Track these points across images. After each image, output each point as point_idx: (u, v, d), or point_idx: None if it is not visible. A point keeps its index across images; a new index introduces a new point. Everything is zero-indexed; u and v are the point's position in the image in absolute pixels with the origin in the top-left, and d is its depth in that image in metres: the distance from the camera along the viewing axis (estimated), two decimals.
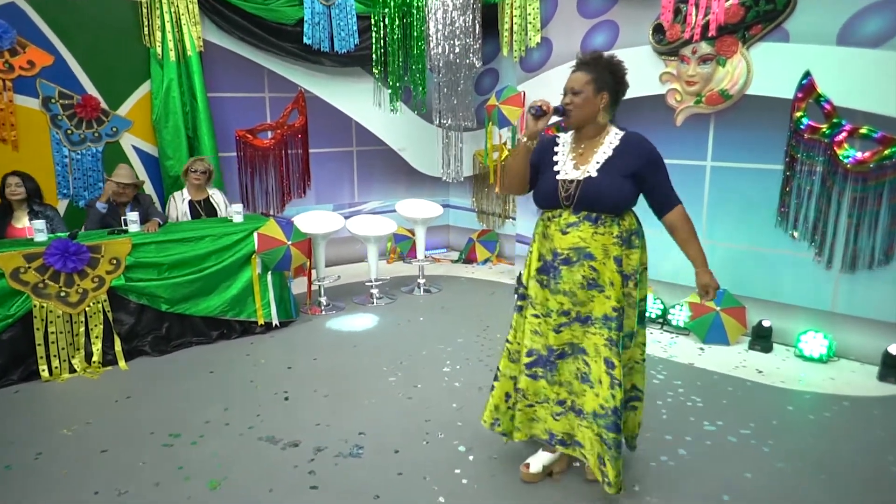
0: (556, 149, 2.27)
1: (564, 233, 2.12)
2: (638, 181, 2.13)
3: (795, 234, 3.74)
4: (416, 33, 5.56)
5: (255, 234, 4.07)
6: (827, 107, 3.54)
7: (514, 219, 5.98)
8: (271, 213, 5.59)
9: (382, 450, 2.69)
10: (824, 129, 3.57)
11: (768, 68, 3.71)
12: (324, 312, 4.63)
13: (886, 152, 3.39)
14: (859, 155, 3.47)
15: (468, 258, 6.27)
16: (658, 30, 4.07)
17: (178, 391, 3.31)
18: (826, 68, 3.52)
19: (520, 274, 2.37)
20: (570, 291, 2.13)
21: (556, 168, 2.20)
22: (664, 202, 2.19)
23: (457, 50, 5.01)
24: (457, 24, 5.10)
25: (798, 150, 3.68)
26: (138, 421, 2.97)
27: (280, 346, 4.00)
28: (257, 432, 2.85)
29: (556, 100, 2.20)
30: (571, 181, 2.13)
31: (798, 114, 3.63)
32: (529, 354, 2.24)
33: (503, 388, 2.38)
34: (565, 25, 4.63)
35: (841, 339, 3.68)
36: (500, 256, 6.30)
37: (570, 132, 2.28)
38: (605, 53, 2.17)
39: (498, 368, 2.42)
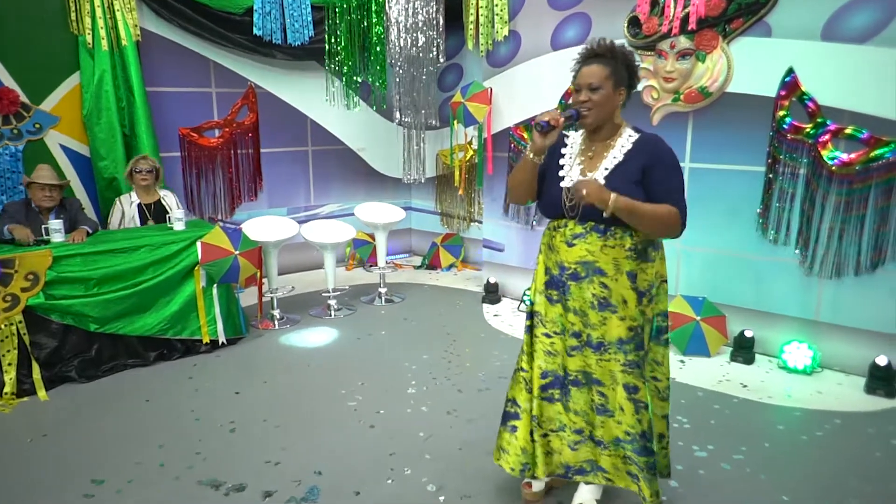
0: (563, 150, 2.04)
1: (570, 245, 1.91)
2: (645, 184, 1.88)
3: (776, 237, 3.56)
4: (375, 25, 5.21)
5: (199, 244, 3.67)
6: (811, 105, 3.37)
7: (479, 222, 5.70)
8: (219, 218, 5.18)
9: (341, 492, 2.35)
10: (808, 129, 3.39)
11: (750, 64, 3.52)
12: (277, 327, 4.25)
13: (873, 154, 3.23)
14: (845, 156, 3.30)
15: (432, 264, 5.96)
16: (634, 23, 3.84)
17: (105, 425, 2.90)
18: (810, 65, 3.34)
19: (526, 291, 2.14)
20: (580, 310, 1.94)
21: (561, 174, 1.98)
22: (659, 201, 1.88)
23: (420, 43, 4.69)
24: (419, 16, 4.78)
25: (781, 151, 3.49)
26: (54, 464, 2.56)
27: (227, 367, 3.62)
28: (197, 474, 2.48)
29: (549, 104, 1.92)
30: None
31: (781, 113, 3.45)
32: (544, 376, 2.04)
33: (528, 426, 2.10)
34: (534, 18, 4.37)
35: (825, 349, 3.51)
36: (466, 262, 6.01)
37: (581, 130, 2.05)
38: (618, 43, 1.94)
39: (514, 402, 2.15)
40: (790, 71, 3.39)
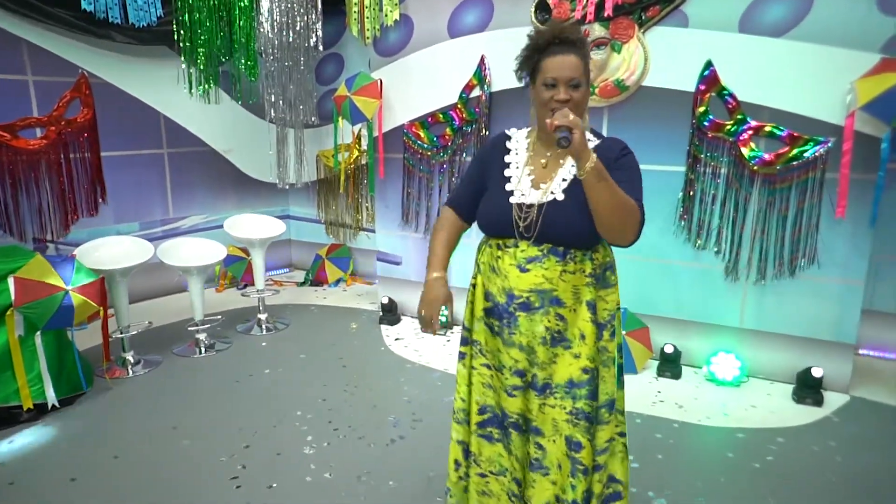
0: (507, 158, 1.69)
1: (523, 270, 1.59)
2: None
3: (698, 241, 3.35)
4: (240, 6, 4.43)
5: (11, 280, 2.78)
6: (731, 101, 3.16)
7: (370, 231, 5.12)
8: (49, 238, 4.16)
9: None
10: (728, 127, 3.19)
11: (667, 56, 3.26)
12: (131, 374, 3.41)
13: (793, 152, 3.08)
14: (766, 155, 3.13)
15: (317, 279, 5.28)
16: (543, 7, 3.46)
17: None
18: (729, 58, 3.14)
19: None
20: (527, 346, 1.61)
21: (508, 186, 1.64)
22: None
23: (298, 28, 4.01)
24: None
25: (701, 150, 3.27)
26: None
27: (57, 442, 2.76)
28: None
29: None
30: (530, 206, 1.59)
31: (701, 109, 3.22)
32: (482, 412, 1.71)
33: (453, 455, 1.83)
34: (428, 1, 3.86)
35: (751, 357, 3.35)
36: (356, 275, 5.40)
37: (525, 132, 1.74)
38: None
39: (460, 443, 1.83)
40: (709, 64, 3.17)
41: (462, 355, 1.76)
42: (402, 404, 3.08)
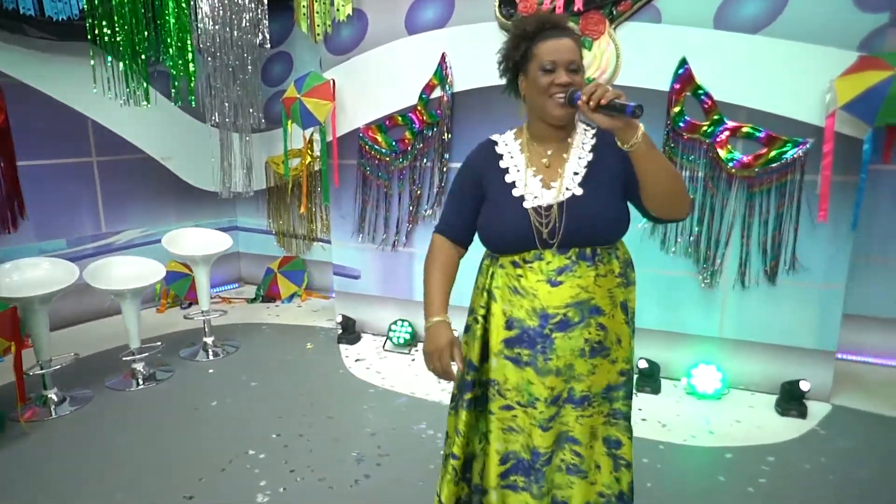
0: (501, 163, 1.52)
1: (555, 284, 1.42)
2: (625, 185, 1.45)
3: (675, 248, 3.19)
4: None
5: None
6: (707, 101, 3.01)
7: (325, 241, 4.80)
8: None
9: None
10: (705, 128, 3.04)
11: (640, 54, 3.08)
12: (54, 415, 3.01)
13: (772, 154, 2.95)
14: (744, 158, 2.99)
15: (269, 295, 4.93)
16: (507, 2, 3.23)
17: None
18: (704, 56, 2.98)
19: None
20: (564, 368, 1.44)
21: (515, 192, 1.46)
22: None
23: (245, 24, 3.68)
24: None
25: (677, 153, 3.11)
26: None
27: None
28: None
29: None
30: (549, 207, 1.42)
31: (675, 109, 3.06)
32: (504, 461, 1.52)
33: None
34: None
35: (730, 367, 3.21)
36: (311, 289, 5.06)
37: (511, 134, 1.56)
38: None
39: (437, 497, 1.58)
40: (683, 62, 3.01)
41: (470, 403, 1.53)
42: (366, 437, 2.79)
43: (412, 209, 3.76)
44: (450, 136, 3.58)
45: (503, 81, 1.53)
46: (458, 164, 3.61)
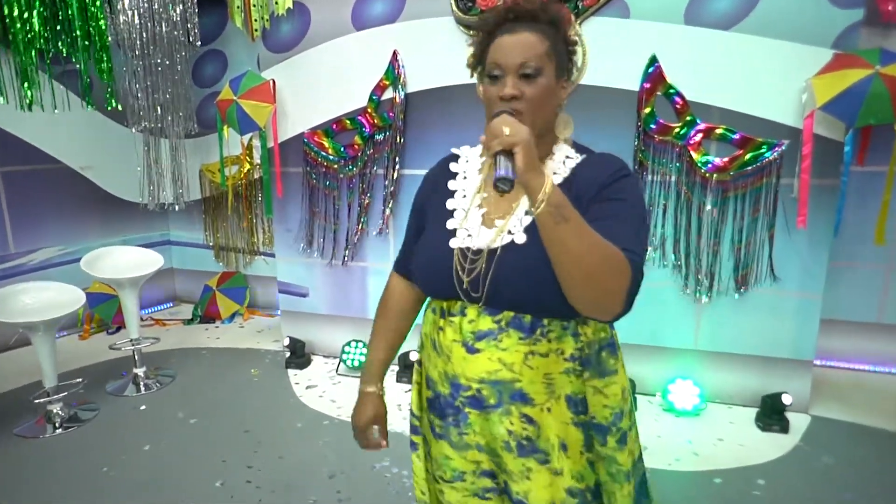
0: (451, 184, 1.23)
1: (471, 350, 1.11)
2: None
3: (647, 258, 3.02)
4: None
5: None
6: (678, 101, 2.84)
7: (270, 255, 4.43)
8: None
9: None
10: (677, 130, 2.86)
11: (607, 51, 2.87)
12: None
13: (747, 157, 2.80)
14: (718, 161, 2.83)
15: (207, 315, 4.51)
16: None
17: None
18: (675, 53, 2.81)
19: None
20: (487, 448, 1.15)
21: (450, 223, 1.17)
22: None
23: (175, 19, 3.28)
24: None
25: (648, 156, 2.93)
26: None
27: None
28: None
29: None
30: (478, 252, 1.11)
31: (646, 110, 2.87)
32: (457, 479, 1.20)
33: None
34: None
35: (707, 381, 3.06)
36: (254, 307, 4.67)
37: (481, 149, 1.23)
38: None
39: None
40: (653, 60, 2.82)
41: (413, 445, 1.30)
42: (323, 481, 2.48)
43: (362, 220, 3.46)
44: (403, 140, 3.30)
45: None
46: (412, 172, 3.35)
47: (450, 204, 1.18)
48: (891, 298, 3.43)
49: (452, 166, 1.24)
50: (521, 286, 1.06)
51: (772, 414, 2.85)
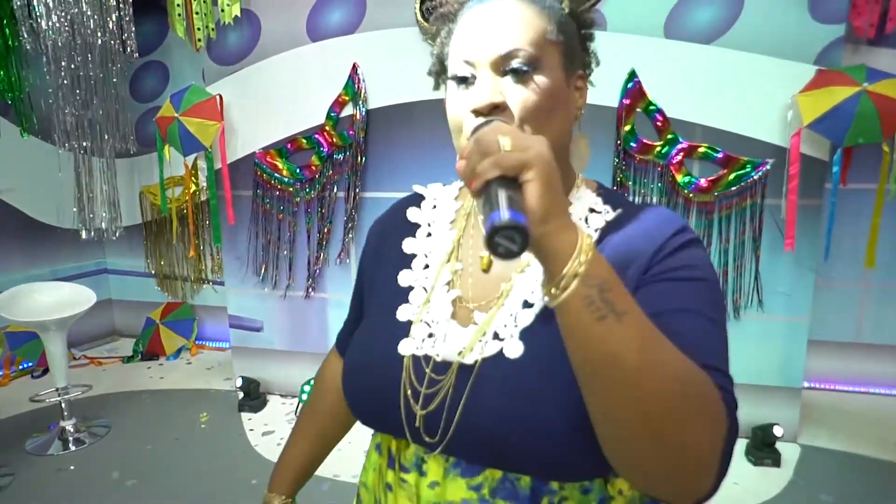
0: (408, 243, 0.83)
1: None
2: None
3: None
4: None
5: None
6: (659, 119, 2.68)
7: (219, 283, 4.08)
8: None
9: None
10: (658, 148, 2.71)
11: None
12: None
13: (731, 177, 2.66)
14: (702, 181, 2.68)
15: (150, 352, 4.11)
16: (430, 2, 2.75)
17: None
18: (655, 68, 2.65)
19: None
20: None
21: (402, 311, 0.77)
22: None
23: (112, 28, 2.94)
24: None
25: (629, 176, 2.76)
26: None
27: None
28: None
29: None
30: (442, 367, 0.70)
31: (626, 128, 2.70)
32: None
33: None
34: None
35: None
36: (203, 341, 4.30)
37: (456, 188, 0.87)
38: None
39: None
40: (633, 75, 2.66)
41: None
42: None
43: (322, 246, 3.17)
44: (364, 159, 3.04)
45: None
46: (375, 195, 3.09)
47: (404, 278, 0.79)
48: (868, 317, 3.37)
49: (412, 214, 0.85)
50: (516, 429, 0.64)
51: (763, 446, 2.71)
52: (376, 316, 0.80)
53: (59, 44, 3.10)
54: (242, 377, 3.31)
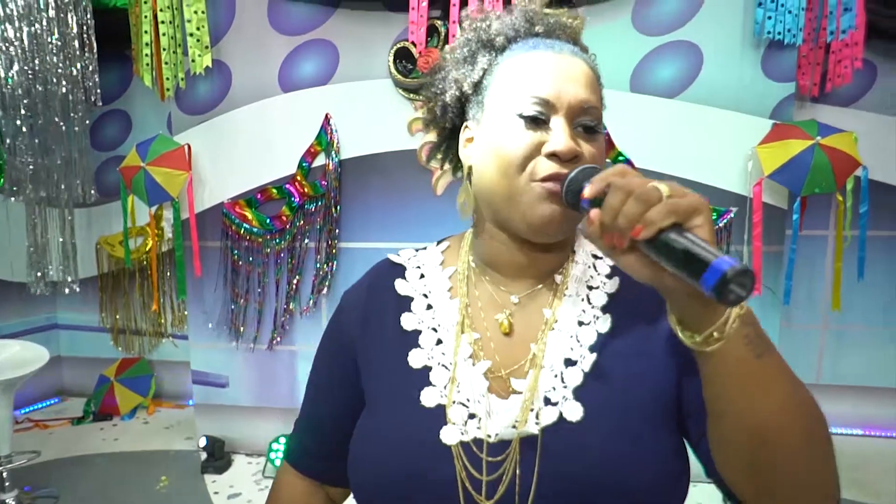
0: (406, 319, 0.76)
1: None
2: (676, 405, 0.69)
3: None
4: None
5: None
6: None
7: (181, 337, 3.92)
8: None
9: None
10: None
11: None
12: None
13: None
14: None
15: (103, 411, 3.86)
16: (404, 55, 2.80)
17: None
18: (622, 119, 2.74)
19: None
20: None
21: (426, 395, 0.69)
22: None
23: (72, 73, 2.87)
24: (52, 34, 2.98)
25: None
26: None
27: None
28: None
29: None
30: (504, 447, 0.65)
31: None
32: None
33: None
34: (252, 43, 2.99)
35: None
36: (161, 398, 4.08)
37: (439, 251, 0.82)
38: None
39: None
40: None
41: None
42: None
43: (293, 299, 3.10)
44: (338, 210, 3.02)
45: (427, 137, 0.84)
46: (351, 245, 3.06)
47: (415, 359, 0.72)
48: (827, 359, 3.48)
49: (401, 287, 0.78)
50: (601, 493, 0.62)
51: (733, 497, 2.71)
52: (392, 404, 0.72)
53: (19, 92, 3.01)
54: (206, 436, 3.15)
